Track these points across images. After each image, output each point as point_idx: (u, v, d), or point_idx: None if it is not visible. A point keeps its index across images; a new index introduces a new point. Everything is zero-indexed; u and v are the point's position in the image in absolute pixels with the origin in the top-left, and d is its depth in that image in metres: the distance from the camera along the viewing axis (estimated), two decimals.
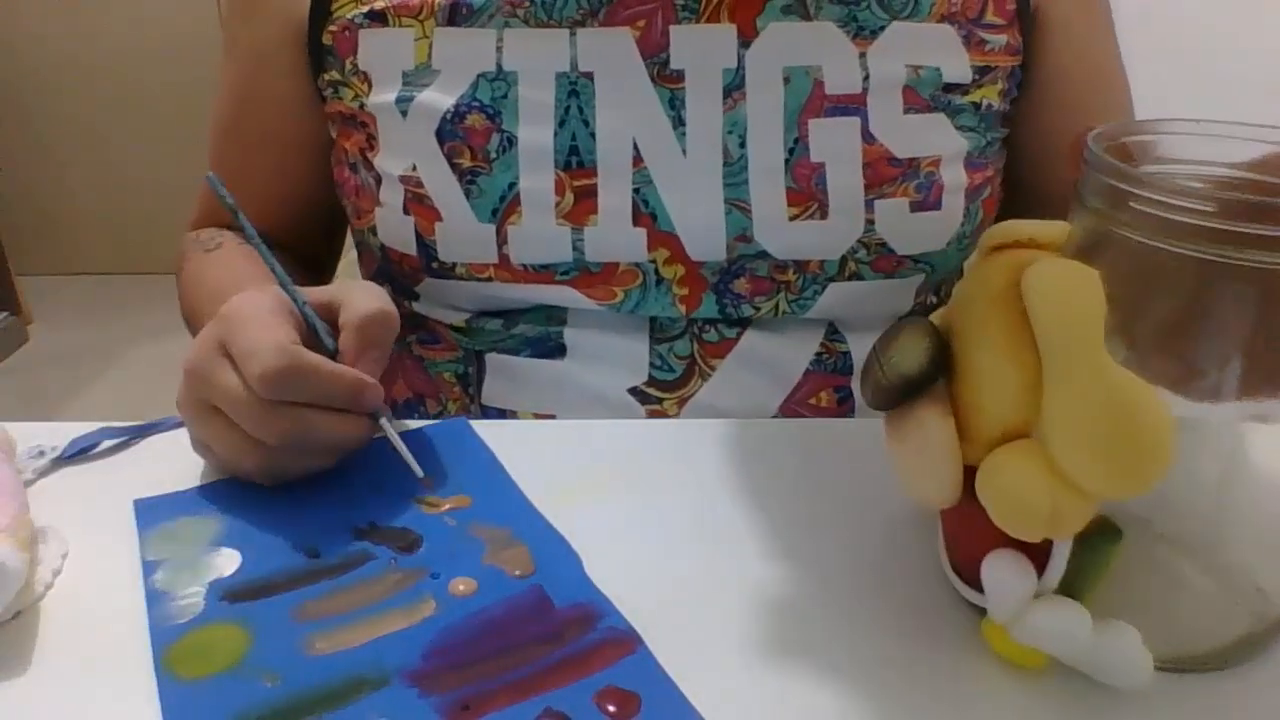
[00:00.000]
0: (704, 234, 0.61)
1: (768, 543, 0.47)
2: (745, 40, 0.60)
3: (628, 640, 0.40)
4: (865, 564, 0.46)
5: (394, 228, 0.64)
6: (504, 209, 0.61)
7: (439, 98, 0.61)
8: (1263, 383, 0.37)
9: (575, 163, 0.60)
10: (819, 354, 0.65)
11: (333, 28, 0.64)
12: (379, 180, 0.64)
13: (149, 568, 0.44)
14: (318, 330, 0.51)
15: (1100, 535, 0.37)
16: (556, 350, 0.64)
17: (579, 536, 0.46)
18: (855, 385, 0.65)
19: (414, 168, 0.62)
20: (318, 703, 0.38)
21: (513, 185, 0.60)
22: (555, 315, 0.64)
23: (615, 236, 0.61)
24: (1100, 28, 0.71)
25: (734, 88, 0.60)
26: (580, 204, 0.61)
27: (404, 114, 0.62)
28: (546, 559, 0.45)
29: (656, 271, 0.62)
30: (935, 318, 0.41)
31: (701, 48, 0.60)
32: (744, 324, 0.64)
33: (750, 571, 0.45)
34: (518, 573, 0.44)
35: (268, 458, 0.48)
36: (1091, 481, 0.34)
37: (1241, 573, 0.42)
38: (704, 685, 0.39)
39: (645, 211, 0.61)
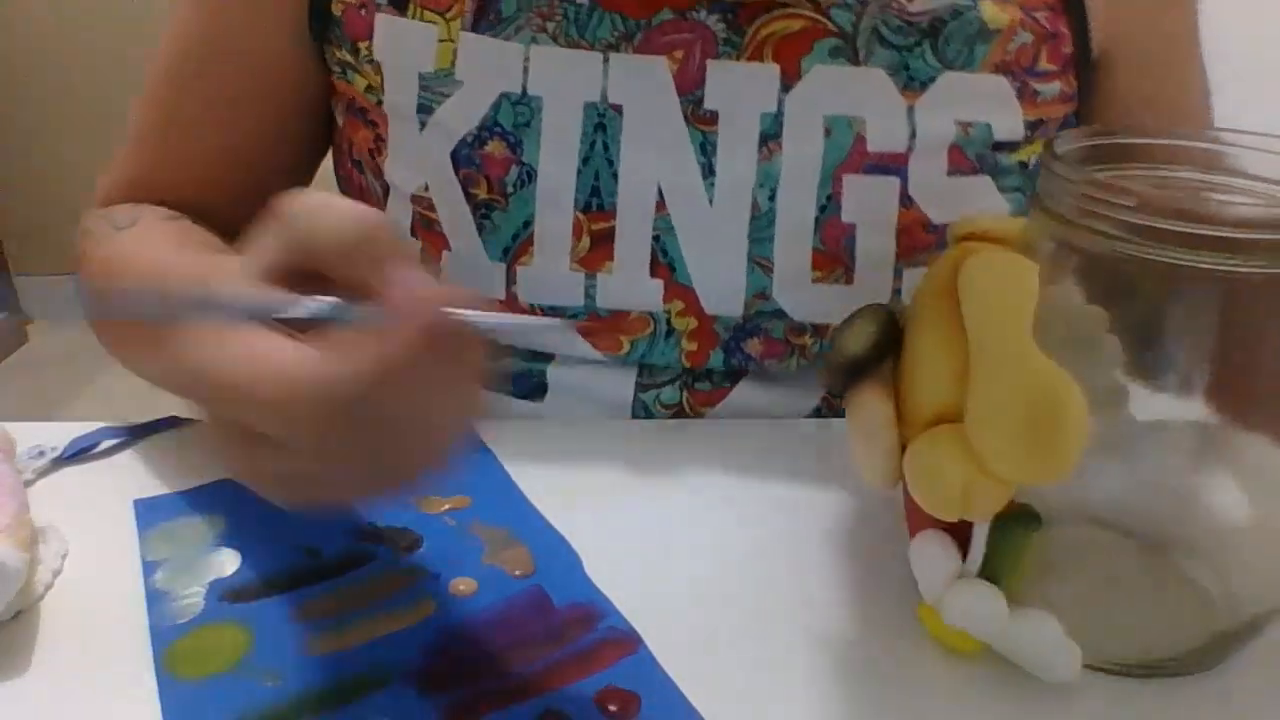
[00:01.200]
0: (723, 289, 0.57)
1: (768, 543, 0.47)
2: (787, 84, 0.55)
3: (628, 640, 0.40)
4: (866, 564, 0.46)
5: None
6: (516, 248, 0.57)
7: (459, 116, 0.56)
8: (1226, 393, 0.37)
9: (595, 205, 0.56)
10: (817, 409, 0.60)
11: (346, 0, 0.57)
12: (386, 190, 0.60)
13: (149, 568, 0.44)
14: (314, 313, 0.33)
15: (1018, 521, 0.38)
16: (537, 390, 0.60)
17: (579, 536, 0.46)
18: None
19: (426, 188, 0.58)
20: (318, 703, 0.37)
21: (528, 224, 0.56)
22: (542, 353, 0.60)
23: (631, 286, 0.57)
24: (1182, 60, 0.64)
25: (771, 136, 0.55)
26: (597, 249, 0.57)
27: (421, 125, 0.57)
28: (546, 559, 0.45)
29: (668, 322, 0.58)
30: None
31: (739, 88, 0.55)
32: (739, 375, 0.60)
33: (751, 571, 0.45)
34: (518, 573, 0.44)
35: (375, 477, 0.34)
36: (1002, 465, 0.35)
37: (1209, 576, 0.42)
38: (704, 685, 0.39)
39: (664, 261, 0.57)
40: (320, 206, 0.34)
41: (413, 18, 0.56)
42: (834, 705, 0.39)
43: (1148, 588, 0.42)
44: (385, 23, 0.56)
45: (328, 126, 0.65)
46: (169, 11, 0.63)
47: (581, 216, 0.56)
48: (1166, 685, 0.40)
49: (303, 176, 0.66)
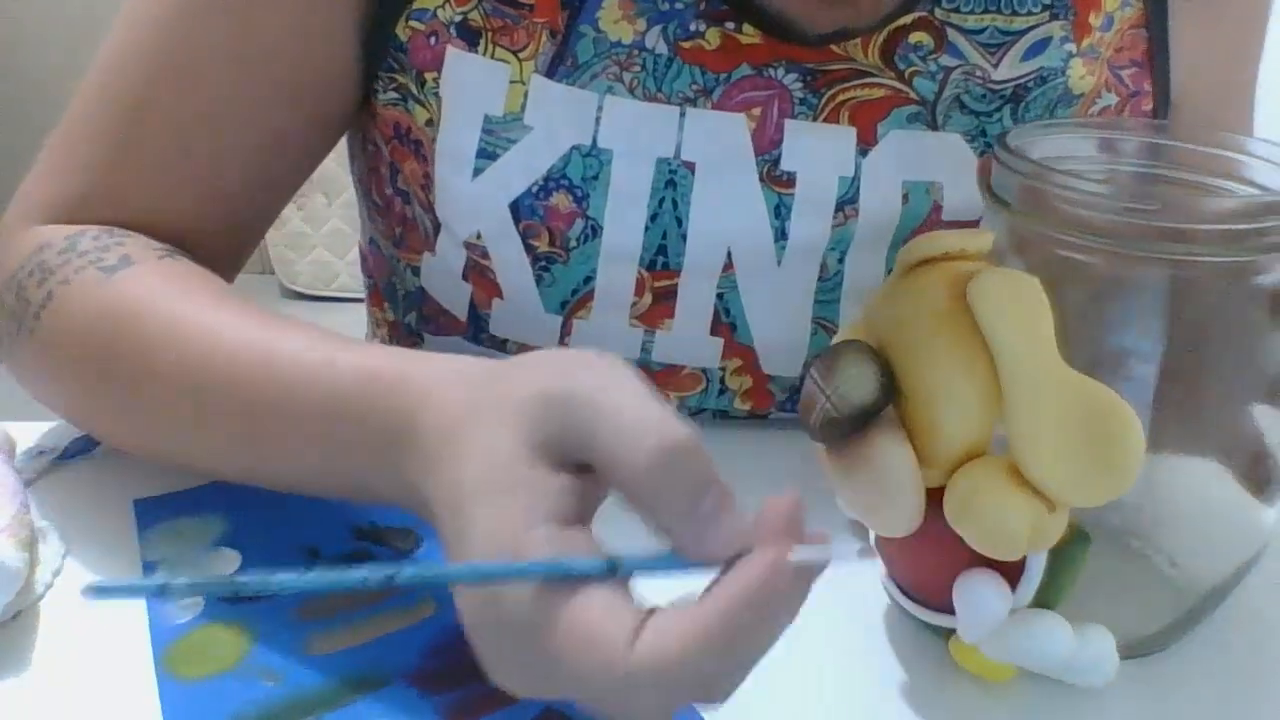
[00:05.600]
0: (783, 349, 0.56)
1: None
2: (864, 147, 0.53)
3: None
4: (875, 566, 0.46)
5: (444, 285, 0.57)
6: (575, 302, 0.54)
7: (525, 165, 0.52)
8: (1172, 384, 0.37)
9: (661, 263, 0.53)
10: None
11: (415, 24, 0.51)
12: (436, 227, 0.55)
13: (149, 568, 0.44)
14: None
15: (1074, 544, 0.37)
16: None
17: None
18: None
19: (479, 236, 0.54)
20: (318, 703, 0.37)
21: (589, 279, 0.54)
22: None
23: (689, 344, 0.55)
24: (1240, 107, 0.63)
25: (847, 201, 0.53)
26: (658, 305, 0.54)
27: (475, 172, 0.52)
28: None
29: (722, 380, 0.56)
30: (856, 335, 0.40)
31: (817, 149, 0.52)
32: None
33: None
34: None
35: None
36: (1071, 492, 0.34)
37: (1170, 555, 0.42)
38: None
39: (725, 320, 0.55)
40: (612, 409, 0.32)
41: (484, 54, 0.51)
42: (834, 705, 0.38)
43: (1117, 574, 0.43)
44: (454, 58, 0.51)
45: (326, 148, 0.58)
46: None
47: (645, 274, 0.54)
48: (1144, 664, 0.41)
49: (282, 206, 0.58)
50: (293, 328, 0.42)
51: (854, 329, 0.40)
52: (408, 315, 0.61)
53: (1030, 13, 0.53)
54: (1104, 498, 0.34)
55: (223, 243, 0.54)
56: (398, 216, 0.58)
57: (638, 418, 0.31)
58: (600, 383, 0.33)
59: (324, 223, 1.81)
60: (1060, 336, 0.35)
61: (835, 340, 0.40)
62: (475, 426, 0.33)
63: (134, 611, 0.42)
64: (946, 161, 0.54)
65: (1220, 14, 0.59)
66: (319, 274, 1.85)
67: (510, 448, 0.32)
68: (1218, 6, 0.58)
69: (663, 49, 0.51)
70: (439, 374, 0.37)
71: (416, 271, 0.59)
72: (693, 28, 0.51)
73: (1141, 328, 0.37)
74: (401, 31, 0.52)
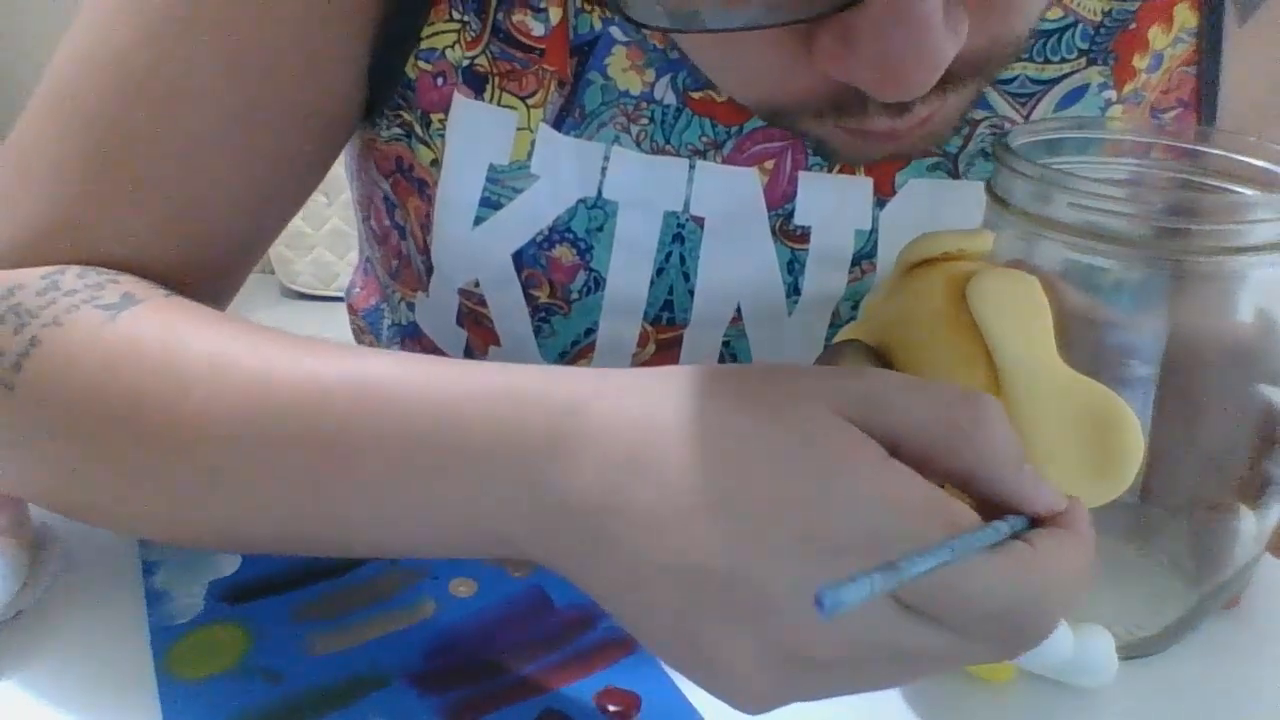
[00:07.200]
0: None
1: None
2: (881, 199, 0.51)
3: (628, 640, 0.40)
4: None
5: (438, 325, 0.56)
6: (575, 353, 0.53)
7: (530, 215, 0.50)
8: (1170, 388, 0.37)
9: (666, 318, 0.52)
10: None
11: (423, 64, 0.48)
12: (430, 269, 0.54)
13: (149, 568, 0.44)
14: None
15: None
16: None
17: None
18: None
19: (477, 284, 0.52)
20: (318, 703, 0.38)
21: (590, 331, 0.53)
22: None
23: None
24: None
25: (865, 255, 0.51)
26: (662, 354, 0.54)
27: (476, 221, 0.51)
28: None
29: None
30: (856, 336, 0.40)
31: (832, 202, 0.50)
32: None
33: None
34: (518, 573, 0.44)
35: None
36: (1071, 492, 0.34)
37: (1170, 555, 0.42)
38: None
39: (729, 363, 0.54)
40: (902, 383, 0.32)
41: (490, 101, 0.49)
42: (833, 704, 0.38)
43: (1117, 574, 0.42)
44: (460, 105, 0.49)
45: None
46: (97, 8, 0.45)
47: (650, 327, 0.53)
48: (1145, 665, 0.41)
49: (273, 238, 0.53)
50: (375, 354, 0.37)
51: (854, 329, 0.40)
52: (389, 348, 0.60)
53: (1065, 59, 0.49)
54: (1103, 498, 0.34)
55: (207, 280, 0.47)
56: (394, 249, 0.57)
57: (931, 387, 0.32)
58: (861, 369, 0.34)
59: (324, 223, 1.81)
60: (1060, 336, 0.35)
61: (835, 340, 0.40)
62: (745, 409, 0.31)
63: (134, 611, 0.42)
64: (969, 211, 0.50)
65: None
66: (319, 274, 1.85)
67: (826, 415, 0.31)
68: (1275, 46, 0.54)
69: (671, 100, 0.49)
70: (596, 374, 0.34)
71: (411, 307, 0.58)
72: (703, 78, 0.48)
73: (1141, 328, 0.37)
74: (410, 70, 0.49)
